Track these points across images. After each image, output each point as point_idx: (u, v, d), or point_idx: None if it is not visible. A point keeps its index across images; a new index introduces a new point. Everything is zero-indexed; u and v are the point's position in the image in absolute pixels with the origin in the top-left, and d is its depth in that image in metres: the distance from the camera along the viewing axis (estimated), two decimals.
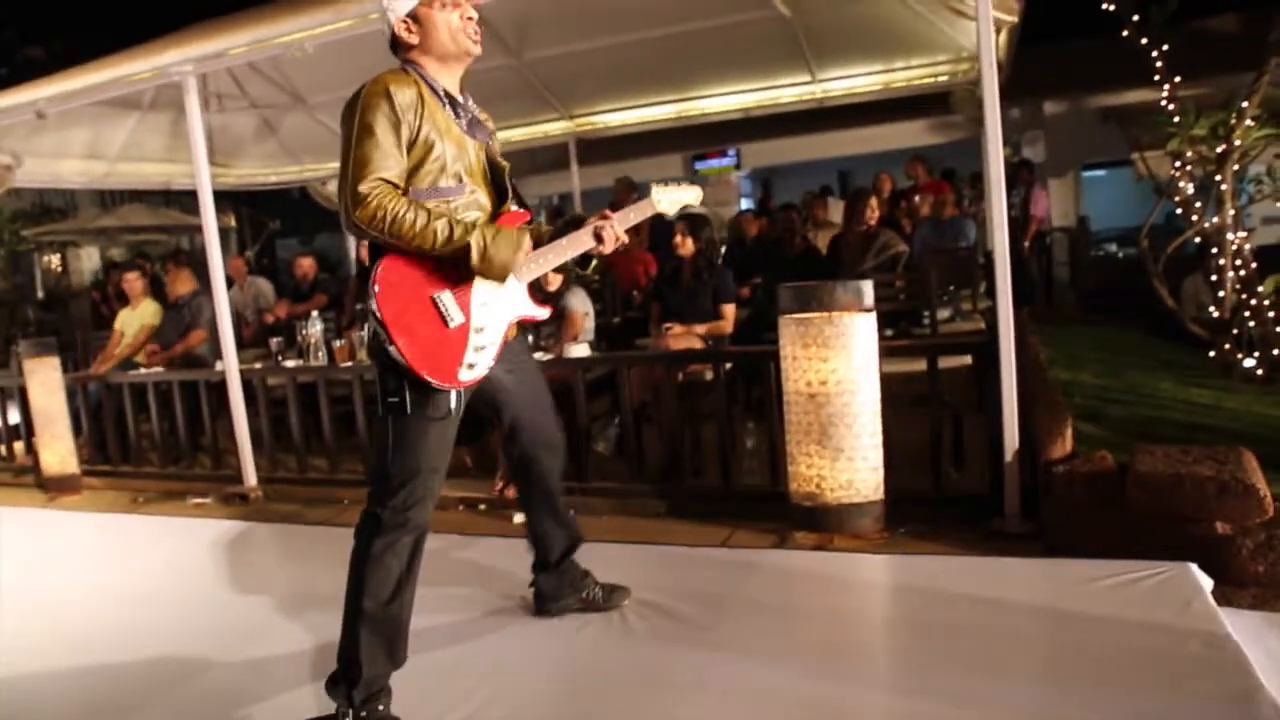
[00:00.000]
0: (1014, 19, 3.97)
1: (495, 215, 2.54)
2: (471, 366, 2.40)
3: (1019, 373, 3.58)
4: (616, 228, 2.58)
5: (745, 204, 13.46)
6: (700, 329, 4.71)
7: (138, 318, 6.70)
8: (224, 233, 15.78)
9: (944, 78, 6.93)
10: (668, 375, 4.24)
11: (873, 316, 3.55)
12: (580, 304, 4.92)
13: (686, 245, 4.77)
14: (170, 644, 3.14)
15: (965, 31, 6.03)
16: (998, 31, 4.41)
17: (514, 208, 2.59)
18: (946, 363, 4.02)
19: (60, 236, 13.44)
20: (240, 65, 6.94)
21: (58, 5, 16.91)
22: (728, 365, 4.30)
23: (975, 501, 3.70)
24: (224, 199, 13.86)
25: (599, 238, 2.57)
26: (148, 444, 5.99)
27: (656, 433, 4.43)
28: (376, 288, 2.29)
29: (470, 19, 2.43)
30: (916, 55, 6.78)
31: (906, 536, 3.58)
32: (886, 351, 3.69)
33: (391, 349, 2.27)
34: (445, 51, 2.43)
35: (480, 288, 2.43)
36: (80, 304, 10.46)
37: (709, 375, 4.26)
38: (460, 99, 2.51)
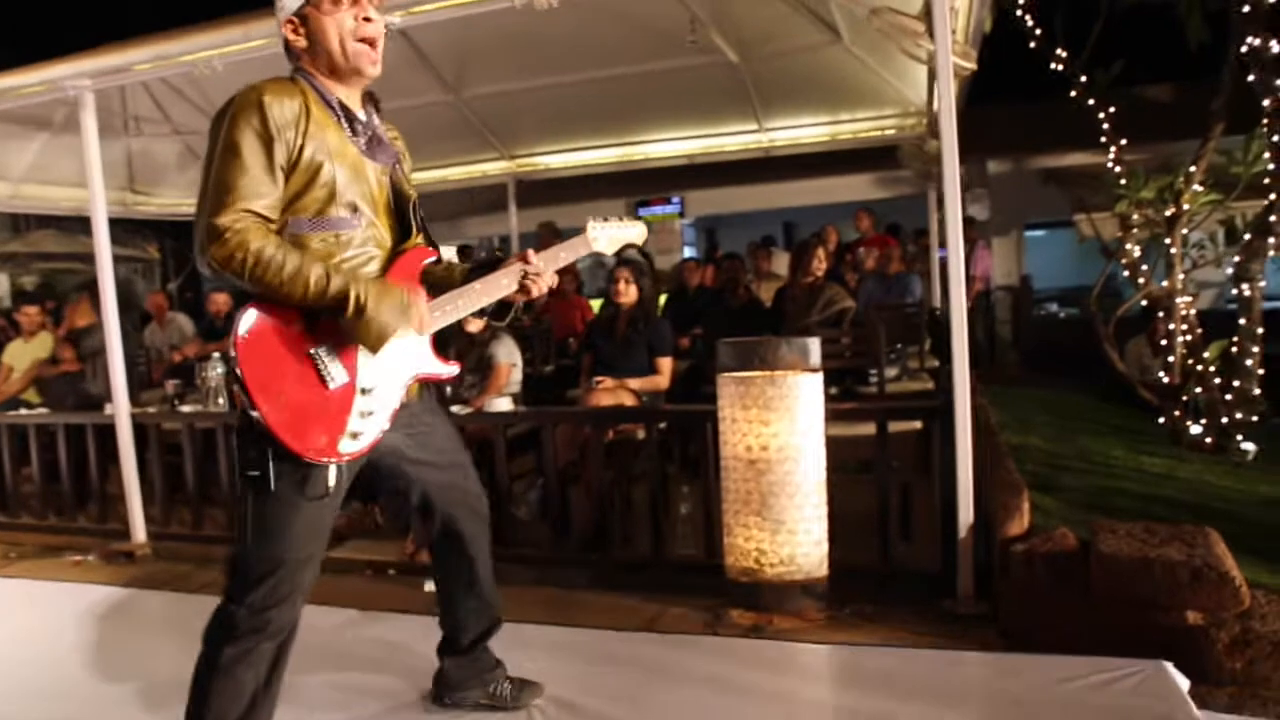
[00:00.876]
0: (971, 67, 3.80)
1: (397, 251, 2.17)
2: (356, 435, 2.01)
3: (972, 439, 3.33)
4: (543, 272, 2.21)
5: (689, 252, 13.30)
6: (634, 383, 4.40)
7: (30, 351, 6.21)
8: (146, 265, 15.22)
9: (891, 131, 6.84)
10: (596, 434, 3.91)
11: (819, 377, 3.29)
12: (506, 354, 4.58)
13: (629, 293, 4.46)
14: None
15: (914, 84, 5.93)
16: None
17: (420, 243, 2.22)
18: (895, 426, 3.77)
19: None
20: (159, 86, 6.58)
21: None
22: (662, 424, 3.99)
23: (926, 579, 3.42)
24: (147, 228, 13.30)
25: (522, 285, 2.20)
26: (30, 490, 5.45)
27: (583, 495, 4.08)
28: (238, 338, 1.89)
29: (367, 20, 2.03)
30: (864, 108, 6.69)
31: (852, 617, 3.27)
32: (833, 414, 3.41)
33: (254, 414, 1.88)
34: (335, 64, 2.04)
35: None
36: None
37: (641, 434, 3.95)
38: (360, 114, 2.13)
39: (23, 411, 5.62)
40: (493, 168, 8.30)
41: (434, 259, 2.24)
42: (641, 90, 6.63)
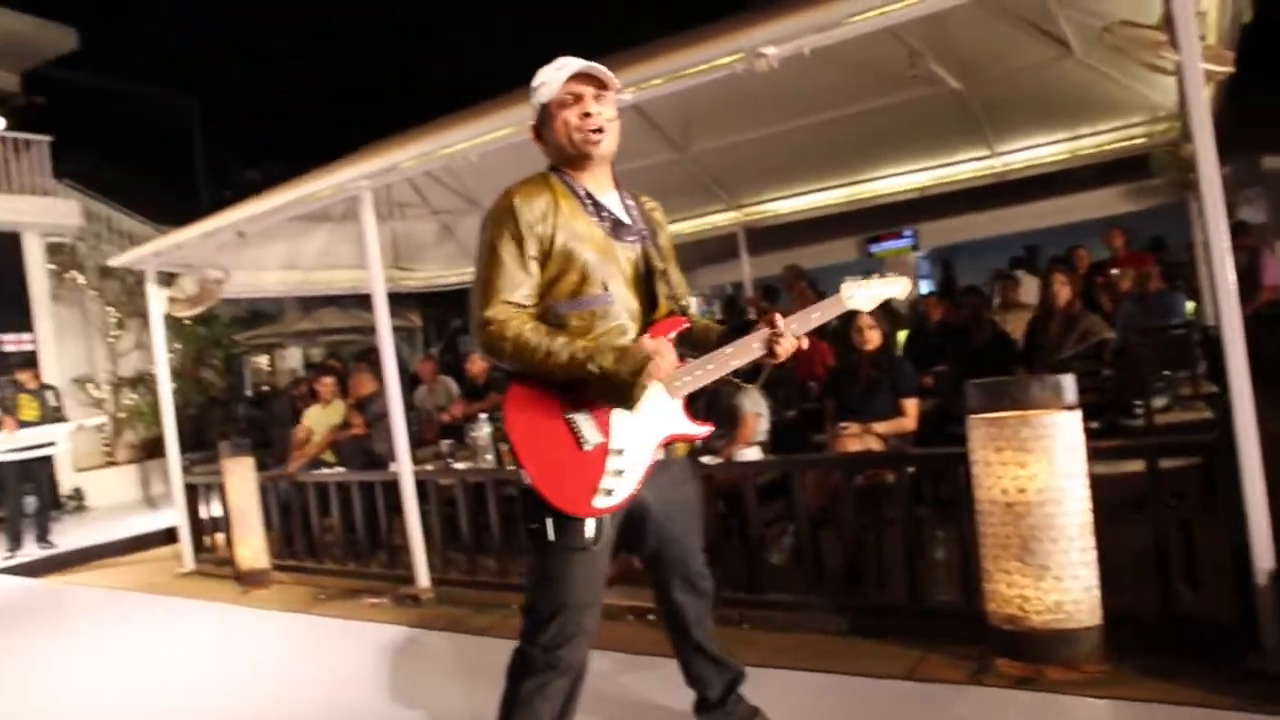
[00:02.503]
0: (1228, 69, 3.51)
1: (648, 322, 2.34)
2: (609, 492, 2.18)
3: (1265, 472, 3.04)
4: (790, 336, 2.28)
5: (925, 286, 12.91)
6: (880, 427, 4.36)
7: (327, 416, 7.01)
8: (410, 332, 16.74)
9: (1140, 140, 6.37)
10: (845, 480, 3.92)
11: (1076, 415, 3.13)
12: (752, 405, 4.67)
13: (873, 338, 4.43)
14: None
15: (1161, 89, 5.52)
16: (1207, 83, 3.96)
17: (673, 310, 2.38)
18: (1169, 460, 3.50)
19: (267, 339, 14.60)
20: (418, 175, 7.34)
21: (270, 133, 18.81)
22: (911, 468, 3.93)
23: (1217, 630, 3.13)
24: (410, 300, 14.67)
25: (771, 351, 2.29)
26: (332, 539, 6.16)
27: (835, 540, 4.08)
28: (507, 407, 2.17)
29: (587, 115, 2.23)
30: (1106, 119, 6.29)
31: (1133, 671, 3.05)
32: (1095, 453, 3.23)
33: (523, 474, 2.14)
34: (564, 153, 2.29)
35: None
36: (282, 402, 11.18)
37: (891, 478, 3.91)
38: (609, 197, 2.34)
39: (324, 471, 6.37)
40: (722, 219, 8.50)
41: (685, 326, 2.37)
42: (865, 128, 6.60)
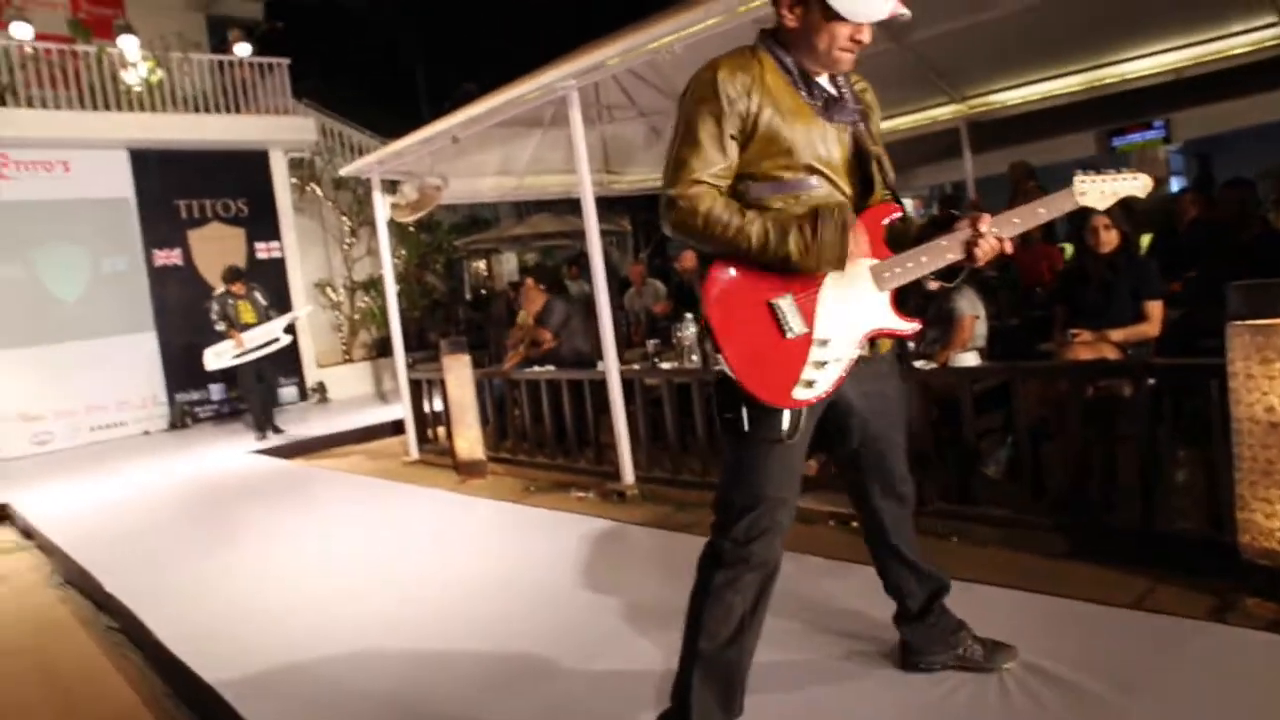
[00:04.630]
0: None
1: (860, 209, 2.18)
2: (810, 384, 2.07)
3: None
4: (992, 238, 2.08)
5: (1176, 184, 11.56)
6: (1117, 335, 3.93)
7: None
8: (619, 236, 16.97)
9: None
10: (1074, 390, 3.58)
11: None
12: (970, 306, 4.36)
13: (1110, 239, 3.96)
14: (524, 642, 3.22)
15: None
16: None
17: (883, 199, 2.22)
18: None
19: (485, 245, 15.26)
20: (626, 76, 7.26)
21: (488, 45, 19.26)
22: (1151, 380, 3.54)
23: None
24: (619, 204, 14.83)
25: (970, 253, 2.09)
26: (544, 434, 6.42)
27: (1058, 456, 3.77)
28: (707, 291, 2.05)
29: (859, 42, 2.06)
30: None
31: None
32: None
33: (720, 360, 2.04)
34: (815, 56, 2.09)
35: (828, 292, 2.09)
36: (499, 304, 11.73)
37: (1127, 391, 3.54)
38: (818, 76, 2.15)
39: (535, 369, 6.62)
40: (942, 112, 7.95)
41: (898, 215, 2.20)
42: (1109, 3, 5.86)
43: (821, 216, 2.03)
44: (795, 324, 2.06)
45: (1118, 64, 6.85)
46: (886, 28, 6.16)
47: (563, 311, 6.90)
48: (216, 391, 11.57)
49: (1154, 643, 2.65)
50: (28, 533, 6.75)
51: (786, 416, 2.07)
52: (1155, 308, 3.96)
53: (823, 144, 2.11)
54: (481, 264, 17.43)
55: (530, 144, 8.41)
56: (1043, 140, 9.84)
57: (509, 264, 17.02)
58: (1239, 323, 2.83)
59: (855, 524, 4.03)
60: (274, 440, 9.03)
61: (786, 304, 2.06)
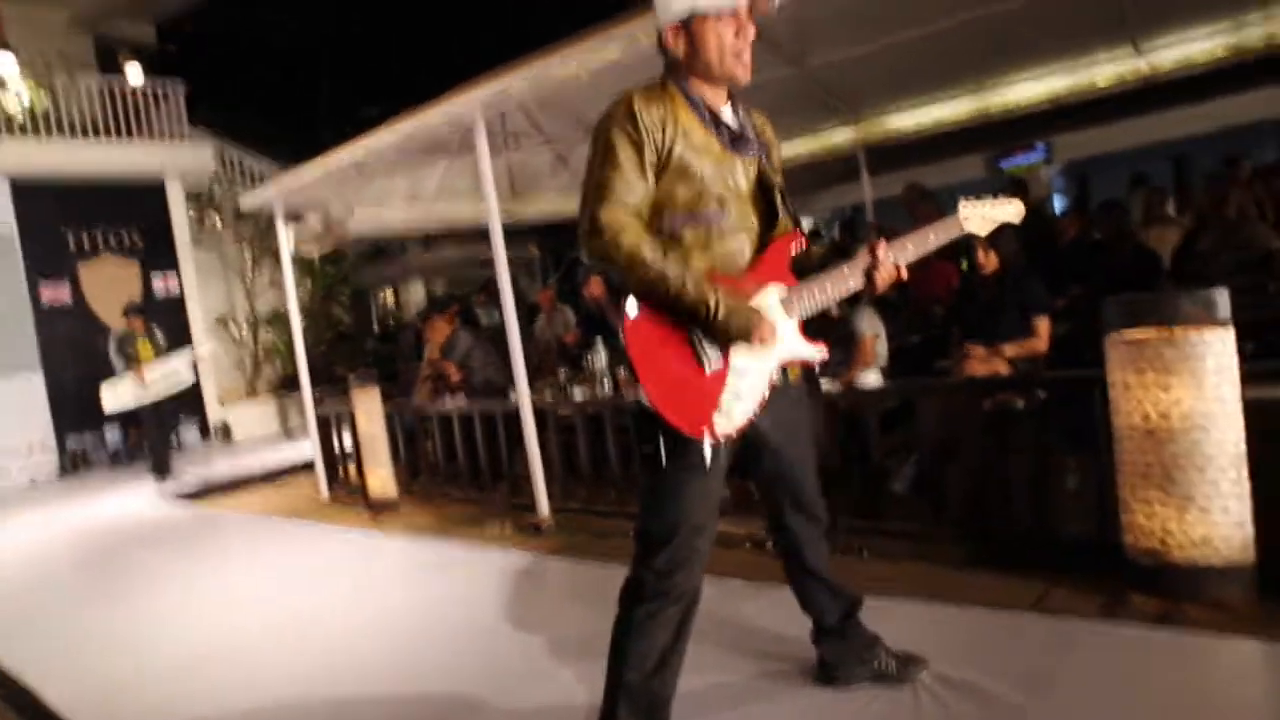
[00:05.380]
0: None
1: (765, 237, 2.28)
2: (729, 414, 2.14)
3: None
4: (890, 265, 2.23)
5: (1058, 203, 12.15)
6: (1009, 350, 4.14)
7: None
8: (528, 263, 16.97)
9: None
10: (971, 405, 3.75)
11: (1229, 333, 2.87)
12: (870, 326, 4.52)
13: (990, 261, 4.20)
14: (447, 682, 3.19)
15: None
16: None
17: (788, 228, 2.33)
18: None
19: (392, 275, 15.10)
20: (532, 103, 7.29)
21: (388, 70, 19.12)
22: (1042, 392, 3.73)
23: None
24: (528, 232, 14.81)
25: (870, 279, 2.23)
26: (464, 466, 6.35)
27: (960, 469, 3.93)
28: (627, 322, 2.09)
29: (746, 39, 2.16)
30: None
31: None
32: (1253, 377, 2.97)
33: (639, 396, 2.09)
34: (710, 71, 2.18)
35: None
36: (407, 336, 11.57)
37: (1020, 403, 3.71)
38: (725, 110, 2.25)
39: (447, 401, 6.55)
40: (841, 137, 8.17)
41: (801, 243, 2.31)
42: (993, 32, 6.14)
43: (737, 309, 2.09)
44: (714, 357, 2.12)
45: (1003, 90, 7.18)
46: (784, 54, 6.31)
47: (468, 342, 6.86)
48: (112, 434, 11.09)
49: (1050, 643, 2.80)
50: None
51: (707, 446, 2.13)
52: (1042, 323, 4.18)
53: (730, 176, 2.20)
54: (389, 295, 17.18)
55: (437, 172, 8.34)
56: (937, 163, 10.30)
57: (417, 294, 16.82)
58: (1115, 336, 3.01)
59: (770, 546, 4.17)
60: (175, 484, 8.70)
61: (704, 336, 2.12)
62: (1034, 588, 3.25)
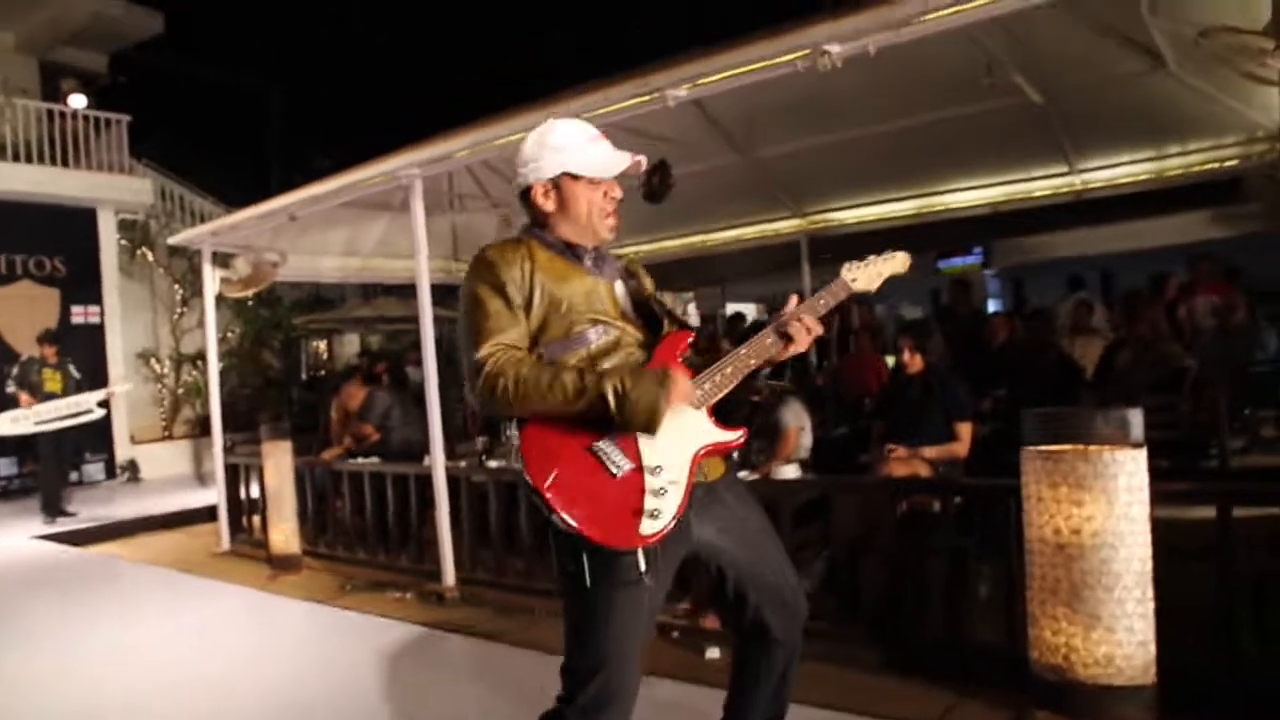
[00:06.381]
0: None
1: (654, 344, 2.21)
2: (655, 515, 2.01)
3: None
4: (805, 320, 2.15)
5: (993, 306, 12.47)
6: (929, 452, 4.12)
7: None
8: None
9: (1232, 162, 5.97)
10: (887, 505, 3.69)
11: (1142, 453, 2.87)
12: (794, 418, 4.48)
13: (915, 362, 4.21)
14: None
15: (1262, 106, 5.17)
16: None
17: (673, 330, 2.27)
18: (1244, 509, 3.22)
19: (327, 325, 14.76)
20: (479, 166, 7.26)
21: (342, 120, 19.12)
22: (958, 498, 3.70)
23: None
24: None
25: (785, 335, 2.15)
26: (365, 528, 6.11)
27: (873, 568, 3.86)
28: (525, 454, 2.02)
29: (613, 200, 2.22)
30: (1197, 138, 5.92)
31: None
32: (1163, 496, 2.97)
33: (554, 519, 1.98)
34: (579, 227, 2.21)
35: None
36: (333, 385, 11.29)
37: (936, 506, 3.68)
38: (579, 244, 2.25)
39: (359, 460, 6.33)
40: (785, 225, 8.28)
41: (692, 340, 2.24)
42: (937, 139, 6.33)
43: (641, 373, 2.05)
44: (621, 462, 2.03)
45: (943, 194, 7.37)
46: (732, 142, 6.39)
47: (384, 404, 6.71)
48: (4, 465, 10.53)
49: None
50: None
51: (640, 555, 2.01)
52: (964, 429, 4.19)
53: (598, 298, 2.18)
54: (322, 344, 16.81)
55: (378, 227, 8.23)
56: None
57: (351, 346, 16.47)
58: (1031, 448, 2.99)
59: (676, 634, 4.03)
60: (66, 523, 8.23)
61: (607, 445, 2.04)
62: (944, 698, 3.18)
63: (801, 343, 2.16)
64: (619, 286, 2.26)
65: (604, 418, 2.00)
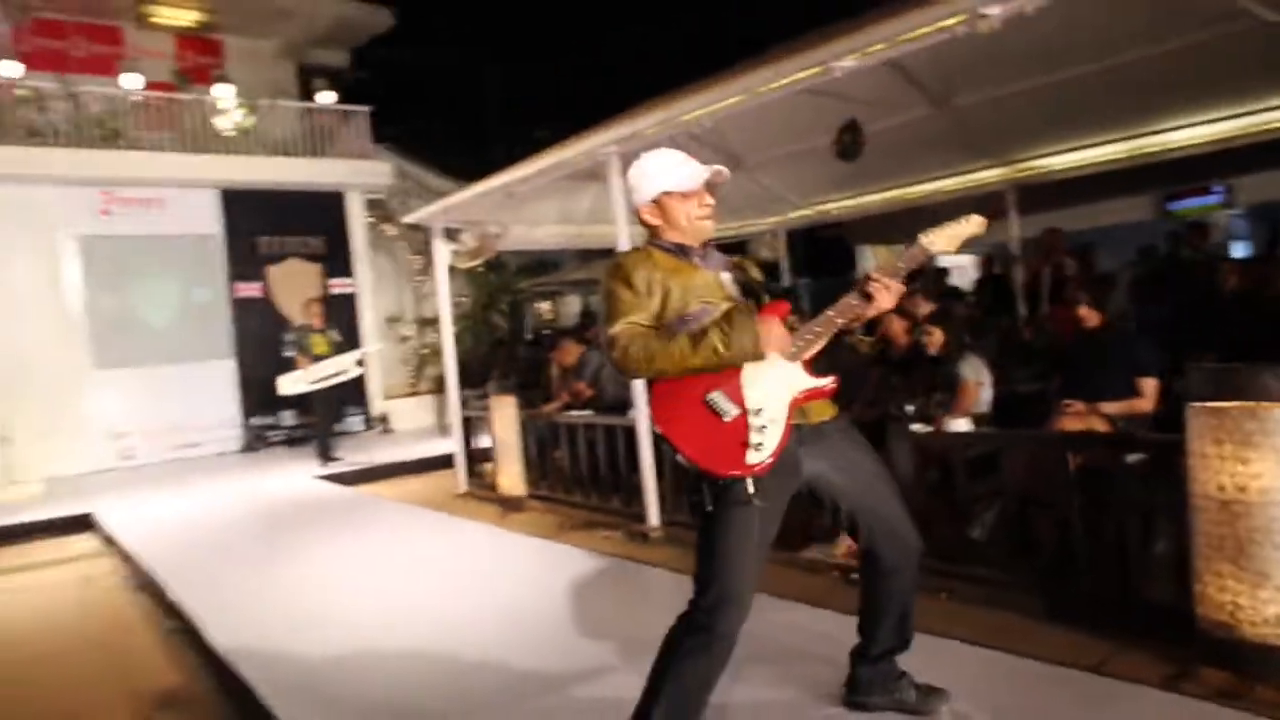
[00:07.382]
0: None
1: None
2: (759, 447, 2.41)
3: None
4: (884, 280, 2.46)
5: (1240, 250, 11.30)
6: (1109, 408, 4.08)
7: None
8: None
9: None
10: (1061, 460, 3.74)
11: None
12: (973, 373, 4.54)
13: (1091, 316, 4.17)
14: (529, 659, 3.62)
15: None
16: None
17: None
18: None
19: (549, 287, 15.76)
20: (682, 136, 7.59)
21: (558, 92, 20.05)
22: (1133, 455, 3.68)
23: None
24: None
25: (868, 295, 2.47)
26: (585, 473, 6.72)
27: (1044, 522, 3.92)
28: (653, 408, 2.49)
29: (707, 206, 2.62)
30: None
31: None
32: None
33: (679, 458, 2.41)
34: (683, 233, 2.61)
35: (748, 374, 2.46)
36: (554, 344, 12.13)
37: (1114, 462, 3.68)
38: (687, 245, 2.63)
39: (573, 413, 6.95)
40: (989, 175, 8.05)
41: (789, 310, 2.59)
42: (1155, 74, 5.94)
43: (737, 316, 2.46)
44: (729, 408, 2.44)
45: (1164, 133, 6.91)
46: (928, 95, 6.29)
47: (596, 362, 7.24)
48: (287, 417, 12.20)
49: (1101, 707, 2.81)
50: (109, 540, 7.32)
51: (749, 482, 2.40)
52: (1148, 385, 4.10)
53: (706, 286, 2.57)
54: (546, 305, 17.94)
55: (588, 195, 8.76)
56: (1096, 203, 9.84)
57: (572, 306, 17.49)
58: (1197, 404, 2.99)
59: (855, 575, 4.27)
60: (336, 467, 9.54)
61: (718, 396, 2.44)
62: (1102, 648, 3.25)
63: (883, 300, 2.47)
64: (725, 275, 2.64)
65: (717, 362, 2.40)
